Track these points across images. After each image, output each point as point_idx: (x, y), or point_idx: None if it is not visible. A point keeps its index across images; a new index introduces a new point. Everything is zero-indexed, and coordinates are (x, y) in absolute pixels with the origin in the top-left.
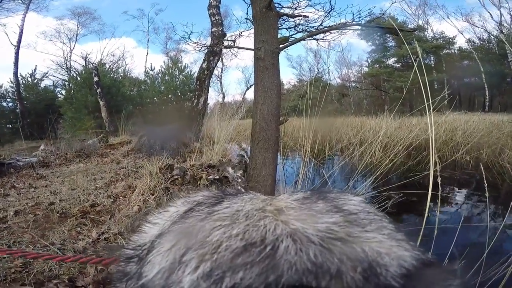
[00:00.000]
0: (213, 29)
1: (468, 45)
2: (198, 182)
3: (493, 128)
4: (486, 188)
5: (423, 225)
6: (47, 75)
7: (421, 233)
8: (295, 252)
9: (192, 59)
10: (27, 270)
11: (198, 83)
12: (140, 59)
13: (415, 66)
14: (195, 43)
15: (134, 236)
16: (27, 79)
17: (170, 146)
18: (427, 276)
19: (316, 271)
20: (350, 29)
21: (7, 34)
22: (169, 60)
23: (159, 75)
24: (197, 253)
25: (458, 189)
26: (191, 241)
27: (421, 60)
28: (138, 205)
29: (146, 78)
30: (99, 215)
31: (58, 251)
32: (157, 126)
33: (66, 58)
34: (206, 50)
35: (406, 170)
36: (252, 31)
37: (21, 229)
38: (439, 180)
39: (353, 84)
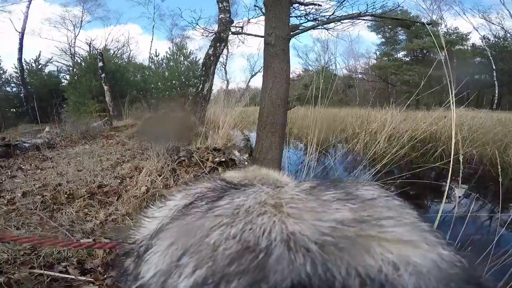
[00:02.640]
0: (220, 16)
1: (482, 42)
2: (205, 164)
3: (499, 125)
4: (500, 181)
5: (439, 213)
6: (51, 60)
7: (437, 220)
8: (288, 262)
9: (197, 46)
10: (36, 252)
11: (204, 68)
12: (145, 46)
13: (442, 59)
14: (203, 28)
15: (132, 230)
16: (31, 64)
17: (174, 128)
18: None
19: (319, 285)
20: (363, 20)
21: (11, 21)
22: (174, 46)
23: (164, 61)
24: (194, 258)
25: (462, 182)
26: (189, 242)
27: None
28: (146, 186)
29: (150, 64)
30: (107, 196)
31: (67, 232)
32: (161, 111)
33: (71, 44)
34: (213, 37)
35: (410, 161)
36: (260, 18)
37: (29, 210)
38: (461, 170)
39: (359, 76)
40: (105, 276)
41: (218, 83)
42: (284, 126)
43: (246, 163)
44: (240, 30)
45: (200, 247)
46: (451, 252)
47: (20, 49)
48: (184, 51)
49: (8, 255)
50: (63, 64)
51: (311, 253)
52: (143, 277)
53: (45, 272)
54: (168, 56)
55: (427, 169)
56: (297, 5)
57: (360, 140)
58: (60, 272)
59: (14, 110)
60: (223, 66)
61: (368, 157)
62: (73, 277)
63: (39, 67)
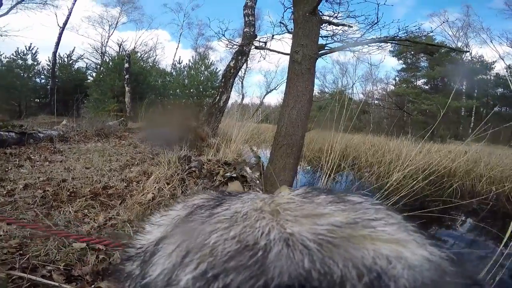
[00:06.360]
0: (245, 29)
1: (506, 71)
2: (215, 178)
3: None
4: None
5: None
6: (82, 57)
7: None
8: (287, 258)
9: (219, 57)
10: (21, 252)
11: (223, 80)
12: (170, 52)
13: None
14: (228, 40)
15: (137, 236)
16: (64, 59)
17: (187, 137)
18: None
19: (319, 279)
20: (394, 43)
21: (56, 16)
22: (197, 56)
23: (186, 68)
24: (197, 255)
25: (473, 217)
26: (192, 244)
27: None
28: (152, 193)
29: (172, 70)
30: (110, 199)
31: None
32: (177, 118)
33: (103, 43)
34: (236, 49)
35: (424, 195)
36: (284, 36)
37: (27, 205)
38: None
39: (375, 102)
40: (93, 286)
41: (233, 96)
42: (301, 148)
43: (257, 181)
44: (264, 46)
45: (201, 247)
46: (438, 249)
47: (57, 43)
48: (206, 61)
49: None
50: (92, 61)
51: (309, 250)
52: (150, 275)
53: (26, 275)
54: (190, 64)
55: (440, 202)
56: (325, 25)
57: (373, 171)
58: (43, 276)
59: (38, 100)
60: (241, 79)
61: (378, 188)
62: (56, 284)
63: (70, 62)
